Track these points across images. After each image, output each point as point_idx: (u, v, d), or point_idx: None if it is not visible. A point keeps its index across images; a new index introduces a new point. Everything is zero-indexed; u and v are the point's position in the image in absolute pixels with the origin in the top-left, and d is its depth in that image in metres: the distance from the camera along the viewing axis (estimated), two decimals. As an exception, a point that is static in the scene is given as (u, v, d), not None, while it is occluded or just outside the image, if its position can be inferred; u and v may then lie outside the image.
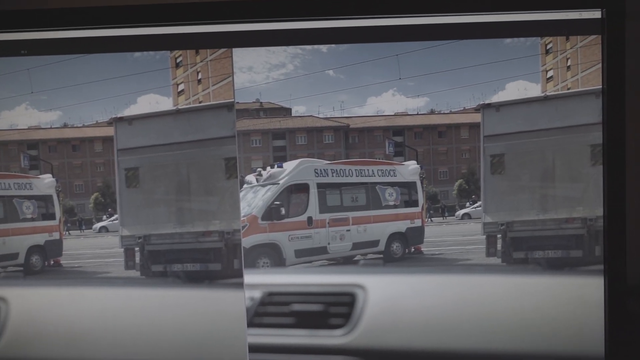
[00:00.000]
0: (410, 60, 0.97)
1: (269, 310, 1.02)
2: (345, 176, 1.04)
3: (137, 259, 1.03)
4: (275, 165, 1.03)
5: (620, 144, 0.95)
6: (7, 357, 1.04)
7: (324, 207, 1.04)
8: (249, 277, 1.02)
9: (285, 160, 1.03)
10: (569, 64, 0.97)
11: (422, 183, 1.03)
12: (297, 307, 1.02)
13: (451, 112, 1.00)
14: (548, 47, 0.97)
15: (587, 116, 0.97)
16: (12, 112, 1.01)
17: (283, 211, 1.04)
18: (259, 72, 0.99)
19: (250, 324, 1.02)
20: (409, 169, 1.03)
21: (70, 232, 1.06)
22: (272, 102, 1.01)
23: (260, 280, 1.02)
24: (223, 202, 1.01)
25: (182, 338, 1.02)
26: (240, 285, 1.01)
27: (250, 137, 1.02)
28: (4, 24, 0.97)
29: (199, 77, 1.00)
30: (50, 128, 1.02)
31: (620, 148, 0.95)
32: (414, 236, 1.04)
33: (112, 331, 1.03)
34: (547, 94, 0.98)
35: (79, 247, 1.05)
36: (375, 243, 1.04)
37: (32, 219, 1.06)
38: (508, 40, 0.96)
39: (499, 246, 1.01)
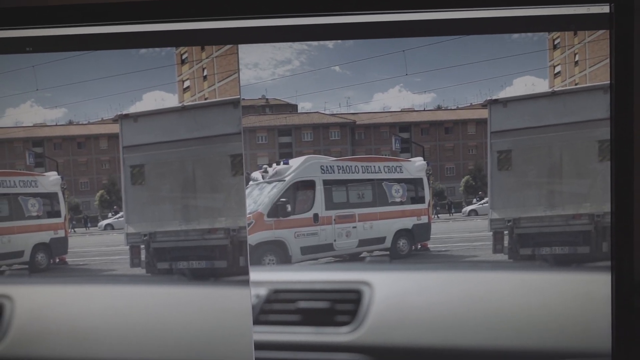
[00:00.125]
0: (416, 56, 0.97)
1: (274, 307, 1.02)
2: (352, 173, 1.04)
3: (143, 256, 1.03)
4: (281, 162, 1.03)
5: (628, 140, 0.95)
6: (13, 355, 1.04)
7: (330, 204, 1.04)
8: (255, 275, 1.01)
9: (291, 157, 1.03)
10: (576, 59, 0.96)
11: (428, 179, 1.03)
12: (303, 304, 1.02)
13: (458, 108, 0.99)
14: (556, 42, 0.96)
15: (595, 112, 0.96)
16: (17, 109, 1.01)
17: (289, 208, 1.04)
18: (265, 68, 0.98)
19: (256, 322, 1.01)
20: (416, 166, 1.03)
21: (75, 229, 1.05)
22: (278, 99, 1.00)
23: (266, 277, 1.02)
24: (229, 199, 1.01)
25: (187, 336, 1.02)
26: (246, 283, 1.01)
27: (256, 133, 1.02)
28: (8, 21, 0.97)
29: (205, 73, 0.99)
30: (56, 125, 1.02)
31: (628, 144, 0.95)
32: (420, 233, 1.03)
33: (117, 329, 1.02)
34: (555, 89, 0.97)
35: (85, 244, 1.05)
36: (381, 240, 1.04)
37: (38, 217, 1.05)
38: (515, 35, 0.96)
39: (505, 243, 1.01)
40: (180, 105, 1.00)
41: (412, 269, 1.02)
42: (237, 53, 0.98)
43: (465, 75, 0.97)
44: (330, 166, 1.03)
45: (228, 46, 0.98)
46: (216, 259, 1.02)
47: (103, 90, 0.99)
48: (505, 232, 1.01)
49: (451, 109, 0.99)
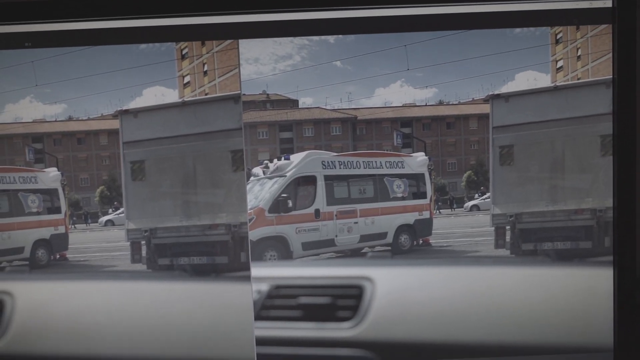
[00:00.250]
0: (418, 51, 0.96)
1: (276, 303, 1.02)
2: (353, 168, 1.03)
3: (144, 252, 1.03)
4: (282, 158, 1.03)
5: (631, 135, 0.95)
6: (14, 351, 1.03)
7: (331, 200, 1.04)
8: (256, 270, 1.01)
9: (292, 153, 1.03)
10: (579, 53, 0.96)
11: (430, 175, 1.03)
12: (304, 299, 1.01)
13: (460, 103, 0.99)
14: (558, 36, 0.96)
15: (598, 106, 0.96)
16: (17, 105, 1.00)
17: (290, 204, 1.04)
18: (266, 63, 0.98)
19: (258, 317, 1.01)
20: (417, 161, 1.03)
21: (76, 225, 1.05)
22: (279, 94, 1.00)
23: (267, 273, 1.02)
24: (230, 195, 1.00)
25: (189, 331, 1.02)
26: (247, 278, 1.01)
27: (257, 129, 1.01)
28: (7, 16, 0.96)
29: (205, 69, 0.99)
30: (55, 121, 1.01)
31: (630, 139, 0.95)
32: (422, 228, 1.03)
33: (118, 325, 1.02)
34: (557, 84, 0.97)
35: (85, 240, 1.05)
36: (383, 235, 1.04)
37: (38, 213, 1.05)
38: (517, 30, 0.95)
39: (507, 238, 1.00)
40: (180, 100, 1.00)
41: (414, 264, 1.02)
42: (238, 48, 0.98)
43: (467, 70, 0.96)
44: (331, 161, 1.03)
45: (228, 41, 0.98)
46: (217, 255, 1.01)
47: (103, 86, 0.99)
48: (507, 227, 1.00)
49: (453, 104, 0.99)
